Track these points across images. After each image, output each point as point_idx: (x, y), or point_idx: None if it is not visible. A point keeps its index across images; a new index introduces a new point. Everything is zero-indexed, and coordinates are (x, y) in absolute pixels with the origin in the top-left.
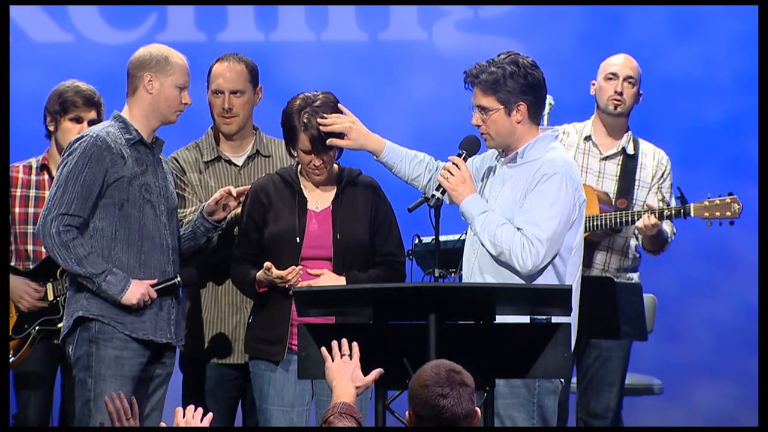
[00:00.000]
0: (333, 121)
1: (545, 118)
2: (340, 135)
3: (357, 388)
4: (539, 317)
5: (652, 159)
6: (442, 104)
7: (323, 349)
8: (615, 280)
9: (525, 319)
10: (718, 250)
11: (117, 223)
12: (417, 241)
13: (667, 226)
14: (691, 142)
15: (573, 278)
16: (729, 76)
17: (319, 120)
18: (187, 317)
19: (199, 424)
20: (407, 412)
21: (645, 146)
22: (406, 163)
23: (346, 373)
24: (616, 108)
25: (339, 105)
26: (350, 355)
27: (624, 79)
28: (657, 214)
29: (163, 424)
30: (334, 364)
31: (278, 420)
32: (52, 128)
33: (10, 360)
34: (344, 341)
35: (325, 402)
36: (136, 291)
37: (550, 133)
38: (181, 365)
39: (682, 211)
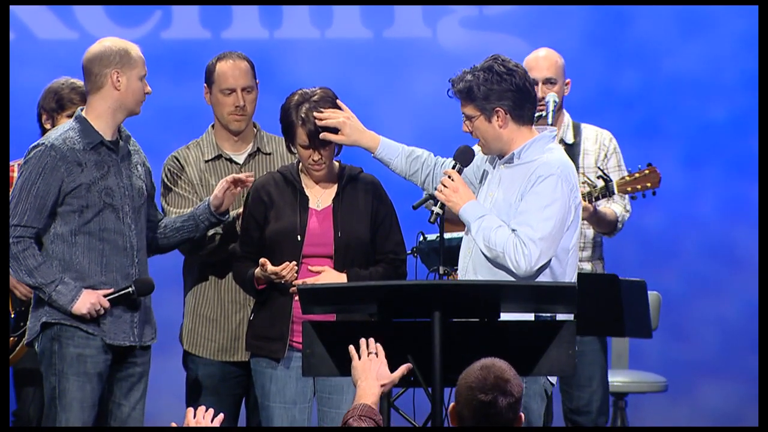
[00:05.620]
0: (328, 116)
1: (549, 116)
2: (335, 130)
3: (383, 386)
4: (544, 315)
5: (594, 143)
6: (446, 102)
7: (351, 347)
8: (619, 277)
9: (529, 316)
10: (723, 249)
11: (77, 229)
12: (422, 238)
13: (616, 206)
14: (697, 141)
15: (570, 279)
16: (734, 75)
17: (315, 114)
18: (190, 315)
19: (210, 425)
20: (451, 404)
21: (587, 131)
22: (402, 159)
23: (371, 372)
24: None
25: (337, 101)
26: (376, 353)
27: (543, 83)
28: (585, 198)
29: (173, 424)
30: (359, 362)
31: (280, 417)
32: (48, 126)
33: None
34: (371, 340)
35: (327, 399)
36: (86, 301)
37: (548, 133)
38: (184, 363)
39: (606, 190)
